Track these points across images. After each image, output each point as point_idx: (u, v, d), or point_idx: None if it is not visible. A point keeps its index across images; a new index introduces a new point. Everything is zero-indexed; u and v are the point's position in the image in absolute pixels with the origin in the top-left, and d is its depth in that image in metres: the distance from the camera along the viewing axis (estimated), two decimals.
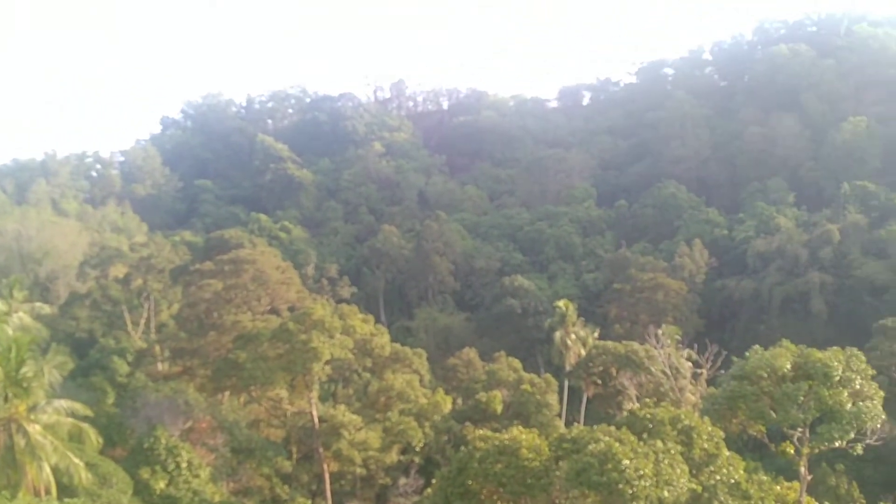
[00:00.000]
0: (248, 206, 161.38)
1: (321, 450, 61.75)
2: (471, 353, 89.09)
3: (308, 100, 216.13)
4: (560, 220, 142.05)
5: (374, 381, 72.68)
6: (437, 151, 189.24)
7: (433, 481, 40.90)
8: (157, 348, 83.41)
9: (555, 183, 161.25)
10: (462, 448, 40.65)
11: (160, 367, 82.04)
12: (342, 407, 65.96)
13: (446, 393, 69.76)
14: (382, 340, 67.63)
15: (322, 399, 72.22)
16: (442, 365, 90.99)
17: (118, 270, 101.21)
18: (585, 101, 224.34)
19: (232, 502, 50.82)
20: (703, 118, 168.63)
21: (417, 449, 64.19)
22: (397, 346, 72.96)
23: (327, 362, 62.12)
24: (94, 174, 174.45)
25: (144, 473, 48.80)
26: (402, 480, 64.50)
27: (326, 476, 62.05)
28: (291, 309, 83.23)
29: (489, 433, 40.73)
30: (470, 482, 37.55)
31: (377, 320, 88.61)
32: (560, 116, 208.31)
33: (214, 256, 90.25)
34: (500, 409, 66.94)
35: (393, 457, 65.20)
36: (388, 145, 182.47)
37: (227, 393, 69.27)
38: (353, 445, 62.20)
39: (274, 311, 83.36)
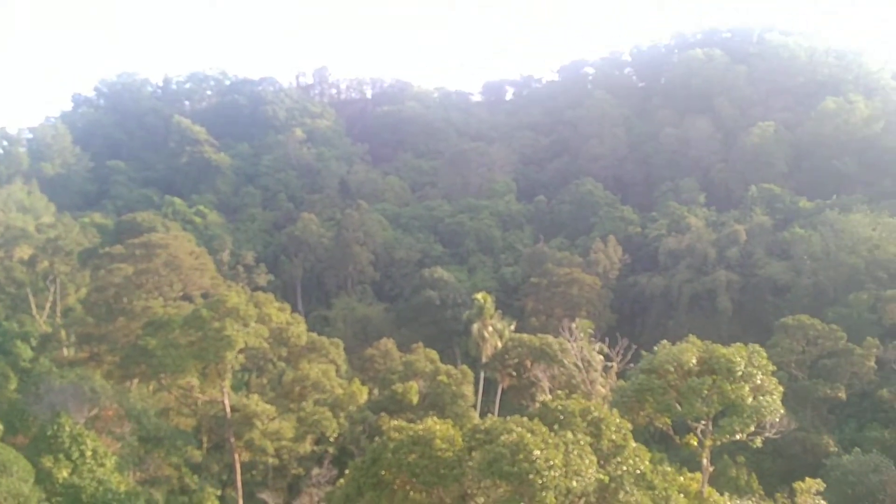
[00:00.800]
0: (162, 189, 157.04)
1: (233, 439, 60.72)
2: (388, 344, 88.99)
3: (228, 82, 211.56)
4: (481, 214, 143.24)
5: (289, 370, 71.89)
6: (360, 140, 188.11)
7: (346, 472, 40.70)
8: (63, 333, 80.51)
9: (477, 176, 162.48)
10: (377, 439, 40.60)
11: (66, 352, 79.20)
12: (255, 396, 64.93)
13: (363, 383, 69.49)
14: (299, 330, 66.88)
15: (235, 388, 70.98)
16: (359, 355, 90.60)
17: (23, 252, 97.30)
18: (508, 97, 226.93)
19: (138, 492, 49.39)
20: (621, 118, 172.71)
21: (332, 439, 63.83)
22: (314, 335, 72.29)
23: (241, 351, 61.04)
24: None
25: (47, 462, 47.01)
26: (316, 471, 63.92)
27: (237, 466, 61.09)
28: (205, 296, 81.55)
29: (404, 424, 40.77)
30: (383, 472, 37.51)
31: (294, 309, 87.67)
32: (483, 110, 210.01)
33: (125, 240, 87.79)
34: (416, 399, 67.14)
35: (306, 447, 64.57)
36: (310, 132, 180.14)
37: (135, 380, 67.36)
38: (266, 435, 61.35)
39: (187, 298, 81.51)
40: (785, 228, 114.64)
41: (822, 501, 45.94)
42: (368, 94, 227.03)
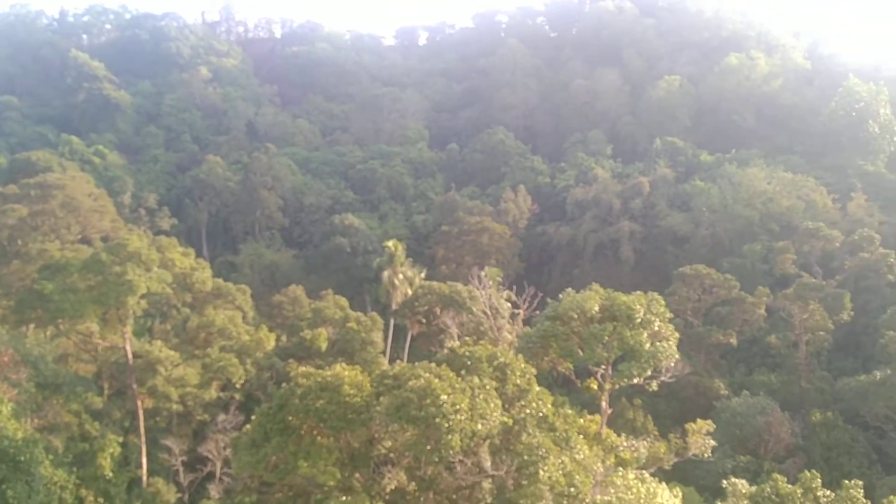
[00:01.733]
0: (59, 128, 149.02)
1: (135, 386, 59.40)
2: (297, 291, 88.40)
3: (128, 16, 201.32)
4: (393, 161, 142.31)
5: (193, 316, 70.37)
6: (268, 81, 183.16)
7: (253, 418, 40.50)
8: None
9: (389, 122, 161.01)
10: (284, 385, 40.45)
11: None
12: (159, 343, 63.50)
13: (271, 330, 68.84)
14: (203, 275, 65.57)
15: (137, 334, 69.24)
16: (267, 302, 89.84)
17: None
18: (422, 42, 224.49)
19: (36, 439, 47.79)
20: (532, 68, 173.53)
21: (238, 386, 63.19)
22: (219, 281, 71.10)
23: (143, 296, 59.44)
24: None
25: None
26: (222, 417, 63.19)
27: (140, 413, 59.91)
28: (105, 239, 78.92)
29: (312, 370, 40.69)
30: (290, 418, 37.50)
31: (199, 255, 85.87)
32: (396, 55, 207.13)
33: (19, 180, 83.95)
34: (324, 346, 67.07)
35: (212, 393, 63.74)
36: (216, 71, 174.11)
37: (31, 326, 64.81)
38: (170, 382, 60.22)
39: (85, 241, 78.65)
40: (686, 181, 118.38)
41: (712, 441, 48.40)
42: (278, 34, 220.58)
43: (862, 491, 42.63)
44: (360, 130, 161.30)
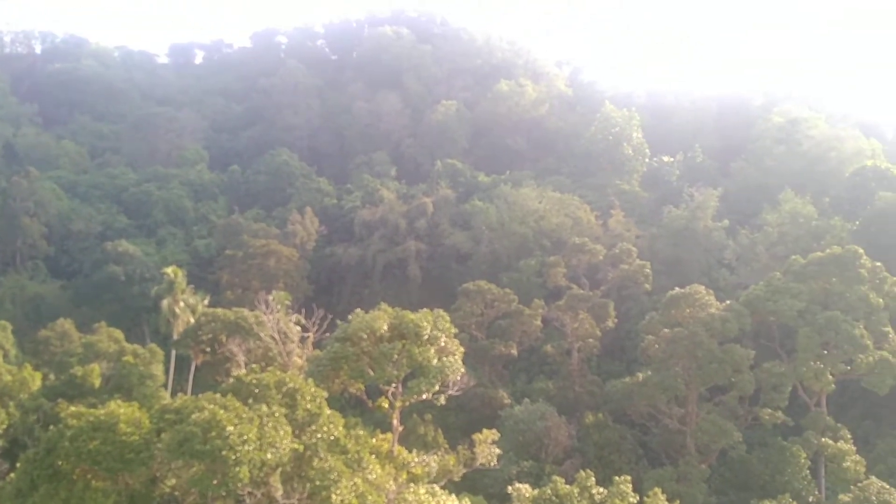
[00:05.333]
0: None
1: None
2: (66, 324, 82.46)
3: None
4: (170, 183, 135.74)
5: None
6: (28, 100, 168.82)
7: (18, 465, 37.05)
8: None
9: (165, 143, 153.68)
10: (52, 427, 37.42)
11: None
12: None
13: (36, 368, 63.55)
14: None
15: None
16: (32, 338, 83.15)
17: None
18: (198, 61, 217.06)
19: None
20: (314, 88, 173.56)
21: (0, 431, 57.53)
22: None
23: None
24: None
25: None
26: None
27: None
28: None
29: (84, 409, 38.03)
30: (60, 462, 34.82)
31: None
32: (170, 73, 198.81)
33: None
34: (98, 383, 62.82)
35: None
36: None
37: None
38: None
39: None
40: (466, 201, 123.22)
41: (497, 449, 50.73)
42: (38, 50, 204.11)
43: (630, 485, 46.57)
44: (133, 152, 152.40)
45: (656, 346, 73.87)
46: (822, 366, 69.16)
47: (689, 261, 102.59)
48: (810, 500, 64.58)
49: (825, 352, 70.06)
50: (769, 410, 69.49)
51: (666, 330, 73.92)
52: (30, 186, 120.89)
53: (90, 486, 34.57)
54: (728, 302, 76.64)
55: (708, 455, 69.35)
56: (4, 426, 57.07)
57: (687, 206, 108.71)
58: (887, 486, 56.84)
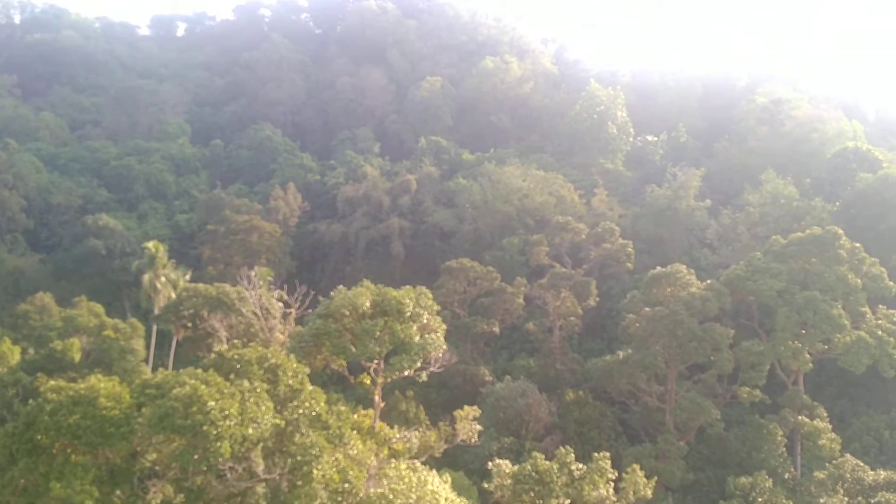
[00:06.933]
0: None
1: None
2: (46, 298, 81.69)
3: None
4: (152, 157, 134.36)
5: None
6: (7, 71, 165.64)
7: None
8: None
9: (146, 116, 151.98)
10: (31, 401, 37.26)
11: None
12: None
13: (15, 342, 63.10)
14: None
15: None
16: (11, 312, 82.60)
17: None
18: (180, 33, 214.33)
19: None
20: (298, 63, 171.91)
21: None
22: None
23: None
24: None
25: None
26: None
27: None
28: None
29: (63, 384, 37.88)
30: (39, 437, 34.73)
31: None
32: (152, 45, 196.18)
33: None
34: (78, 357, 62.46)
35: None
36: None
37: None
38: None
39: None
40: (450, 178, 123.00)
41: (478, 426, 51.03)
42: (17, 20, 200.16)
43: (609, 462, 47.11)
44: (113, 125, 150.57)
45: (637, 324, 74.48)
46: (800, 345, 69.92)
47: (671, 240, 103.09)
48: (786, 476, 65.51)
49: (803, 331, 70.76)
50: (747, 389, 70.24)
51: (647, 308, 74.52)
52: (8, 159, 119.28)
53: (70, 460, 34.49)
54: (709, 281, 77.15)
55: (686, 432, 70.15)
56: None
57: (670, 185, 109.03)
58: (861, 464, 57.94)
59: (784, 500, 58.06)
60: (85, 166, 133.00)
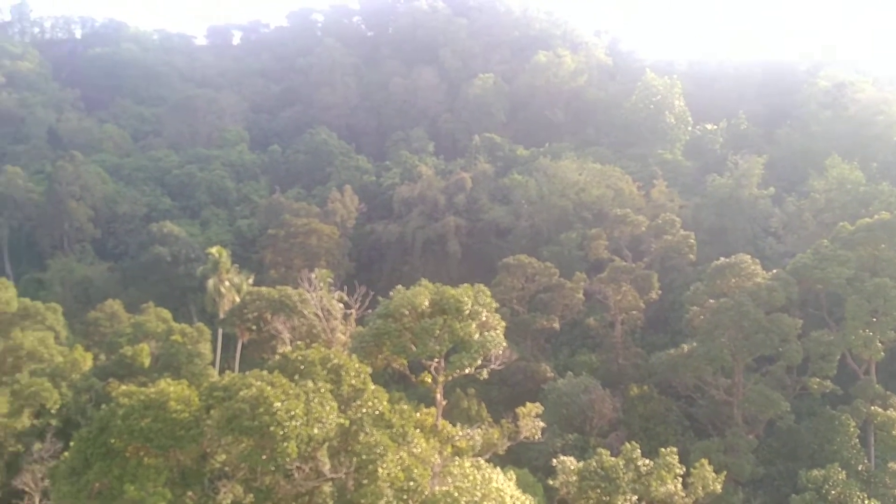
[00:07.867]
0: None
1: None
2: (115, 305, 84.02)
3: None
4: (212, 164, 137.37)
5: None
6: (70, 85, 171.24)
7: (71, 444, 38.04)
8: None
9: (205, 125, 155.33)
10: (104, 406, 38.29)
11: None
12: None
13: (87, 349, 65.00)
14: (7, 295, 60.87)
15: None
16: (82, 319, 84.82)
17: None
18: (236, 42, 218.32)
19: None
20: (351, 66, 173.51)
21: (53, 411, 59.11)
22: (26, 301, 66.14)
23: None
24: None
25: None
26: (38, 446, 58.83)
27: None
28: None
29: (134, 388, 38.83)
30: (113, 440, 35.62)
31: (1, 273, 79.14)
32: (209, 55, 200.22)
33: None
34: (147, 362, 64.12)
35: (24, 422, 59.21)
36: (10, 75, 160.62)
37: None
38: None
39: None
40: (505, 175, 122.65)
41: (541, 423, 50.72)
42: (78, 34, 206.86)
43: (677, 457, 46.35)
44: (174, 134, 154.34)
45: (701, 316, 73.10)
46: (871, 333, 67.81)
47: (733, 230, 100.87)
48: (860, 468, 63.65)
49: (874, 319, 68.59)
50: (817, 379, 68.49)
51: (711, 300, 73.08)
52: (75, 170, 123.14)
53: (142, 463, 35.33)
54: (774, 271, 75.28)
55: (755, 426, 68.65)
56: (58, 406, 58.54)
57: (731, 174, 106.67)
58: None
59: (858, 493, 56.48)
60: (148, 175, 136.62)
